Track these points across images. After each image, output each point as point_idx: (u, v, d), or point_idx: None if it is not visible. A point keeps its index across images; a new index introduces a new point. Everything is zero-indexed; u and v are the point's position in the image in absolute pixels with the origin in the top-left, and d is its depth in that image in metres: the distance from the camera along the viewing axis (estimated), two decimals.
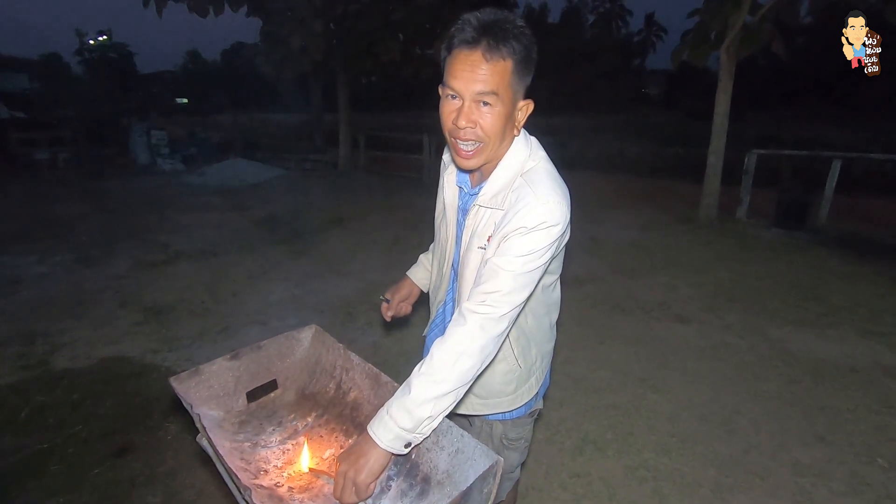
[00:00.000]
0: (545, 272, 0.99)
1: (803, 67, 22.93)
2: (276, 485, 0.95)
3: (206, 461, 1.22)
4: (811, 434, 2.31)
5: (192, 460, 2.10)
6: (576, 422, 2.40)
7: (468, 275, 1.01)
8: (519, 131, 0.97)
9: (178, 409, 2.26)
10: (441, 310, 1.21)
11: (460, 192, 1.09)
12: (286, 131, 20.27)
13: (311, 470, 0.98)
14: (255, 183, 9.19)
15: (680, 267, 4.64)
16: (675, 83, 32.85)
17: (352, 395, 1.11)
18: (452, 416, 1.01)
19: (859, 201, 7.04)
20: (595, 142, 15.45)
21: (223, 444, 0.99)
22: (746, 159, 6.33)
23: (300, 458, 1.00)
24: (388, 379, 1.04)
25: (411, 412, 0.83)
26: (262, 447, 1.05)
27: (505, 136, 0.93)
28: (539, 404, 1.23)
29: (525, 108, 0.94)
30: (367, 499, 0.85)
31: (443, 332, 0.92)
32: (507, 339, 1.05)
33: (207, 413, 1.04)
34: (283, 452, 1.04)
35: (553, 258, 0.97)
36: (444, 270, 1.16)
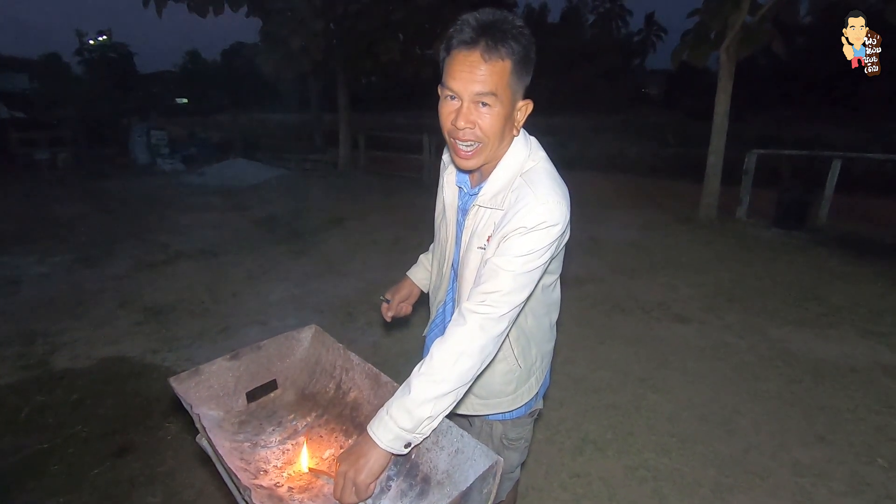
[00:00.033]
0: (545, 272, 0.99)
1: (803, 67, 22.92)
2: (275, 485, 0.95)
3: (206, 461, 1.22)
4: (811, 434, 2.31)
5: (191, 460, 2.10)
6: (576, 422, 2.40)
7: (468, 275, 1.01)
8: (518, 131, 0.97)
9: (178, 409, 2.26)
10: (441, 310, 1.21)
11: (460, 192, 1.09)
12: (286, 131, 20.29)
13: (310, 470, 0.98)
14: (255, 183, 9.18)
15: (680, 267, 4.64)
16: (675, 83, 32.77)
17: (352, 395, 1.11)
18: (452, 416, 1.01)
19: (859, 201, 7.04)
20: (595, 142, 15.46)
21: (223, 444, 0.99)
22: (746, 159, 6.33)
23: (300, 458, 1.00)
24: (388, 379, 1.04)
25: (411, 412, 0.83)
26: (262, 447, 1.05)
27: (504, 136, 0.93)
28: (539, 404, 1.24)
29: (524, 108, 0.94)
30: (367, 499, 0.85)
31: (443, 332, 0.92)
32: (507, 339, 1.05)
33: (207, 413, 1.04)
34: (283, 452, 1.04)
35: (553, 258, 0.97)
36: (443, 270, 1.16)
